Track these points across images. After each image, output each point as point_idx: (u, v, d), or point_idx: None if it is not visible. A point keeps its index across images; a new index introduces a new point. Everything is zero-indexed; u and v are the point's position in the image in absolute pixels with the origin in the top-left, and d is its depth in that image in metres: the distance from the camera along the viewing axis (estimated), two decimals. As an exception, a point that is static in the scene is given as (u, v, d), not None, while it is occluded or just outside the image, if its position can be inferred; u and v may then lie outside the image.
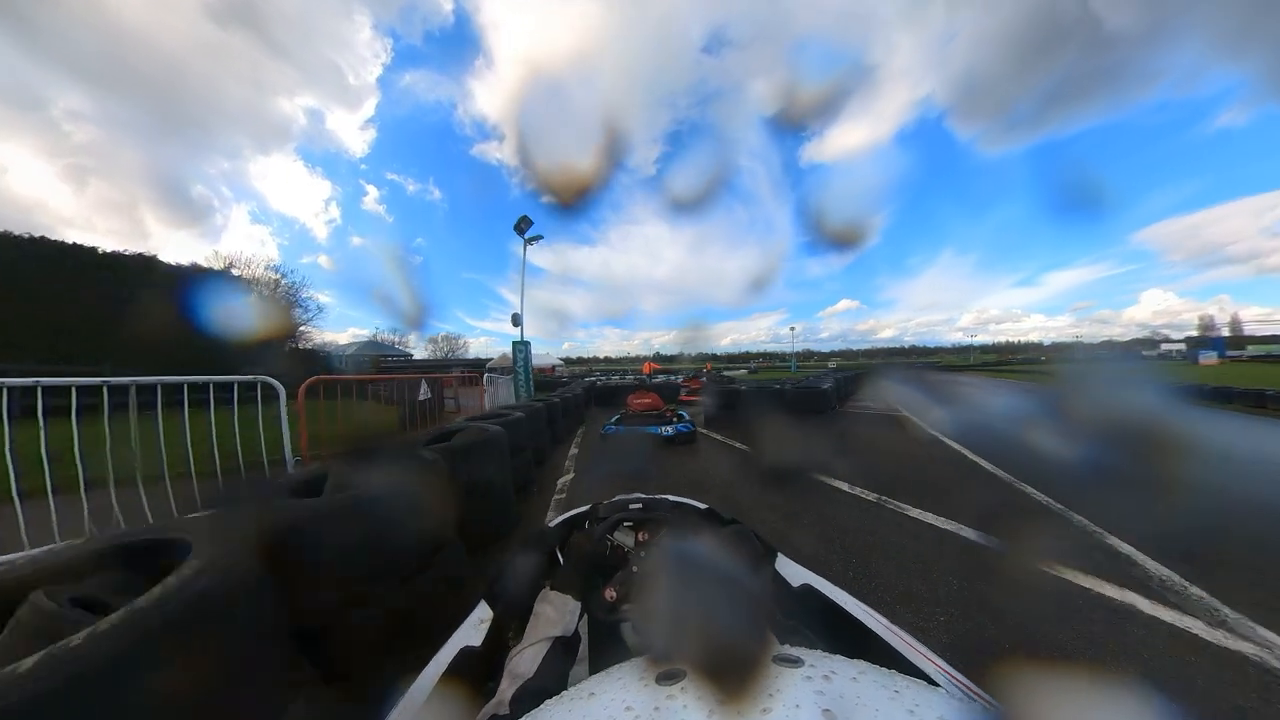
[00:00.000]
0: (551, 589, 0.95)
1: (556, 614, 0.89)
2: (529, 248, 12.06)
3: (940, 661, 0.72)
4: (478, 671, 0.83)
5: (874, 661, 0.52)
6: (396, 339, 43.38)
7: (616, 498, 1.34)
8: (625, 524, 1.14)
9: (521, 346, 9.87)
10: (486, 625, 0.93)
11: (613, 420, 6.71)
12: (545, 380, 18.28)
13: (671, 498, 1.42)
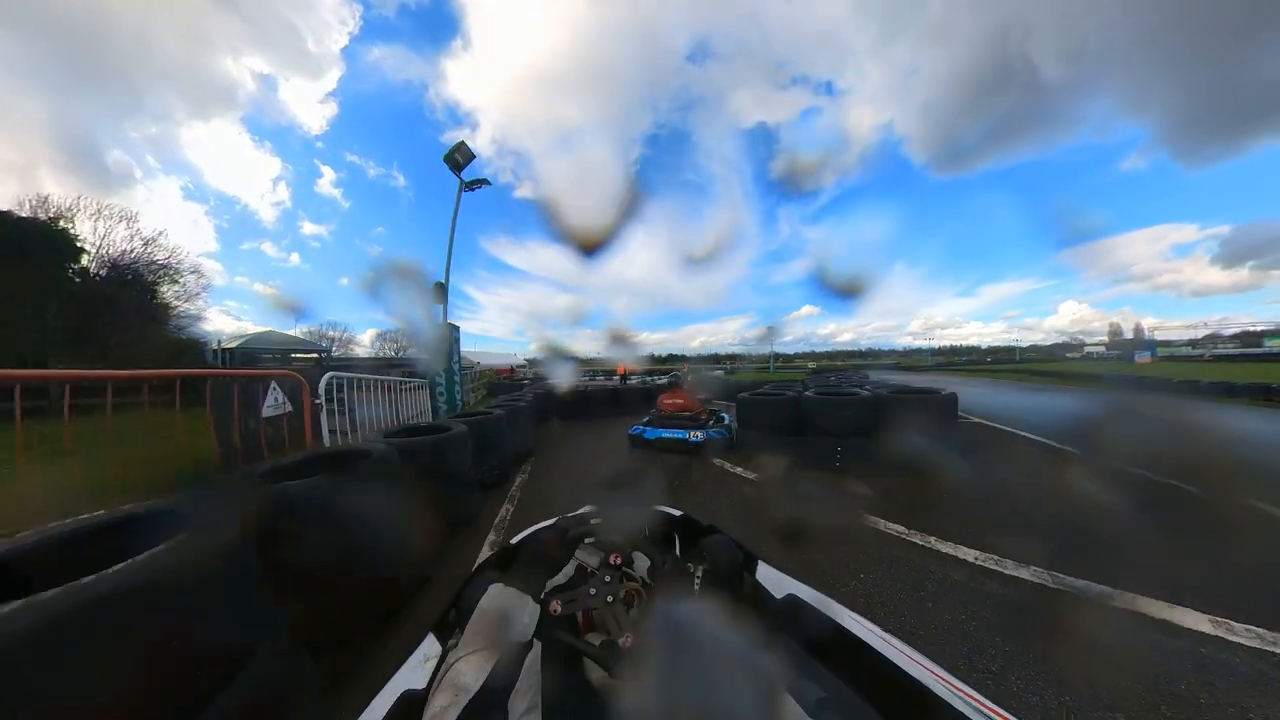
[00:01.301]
0: (506, 585, 0.81)
1: (512, 615, 0.75)
2: (473, 192, 8.84)
3: (941, 671, 0.65)
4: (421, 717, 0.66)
5: (869, 674, 0.56)
6: (338, 333, 39.46)
7: (583, 509, 1.16)
8: (587, 540, 0.95)
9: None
10: (433, 664, 0.76)
11: (643, 421, 6.12)
12: (501, 383, 15.35)
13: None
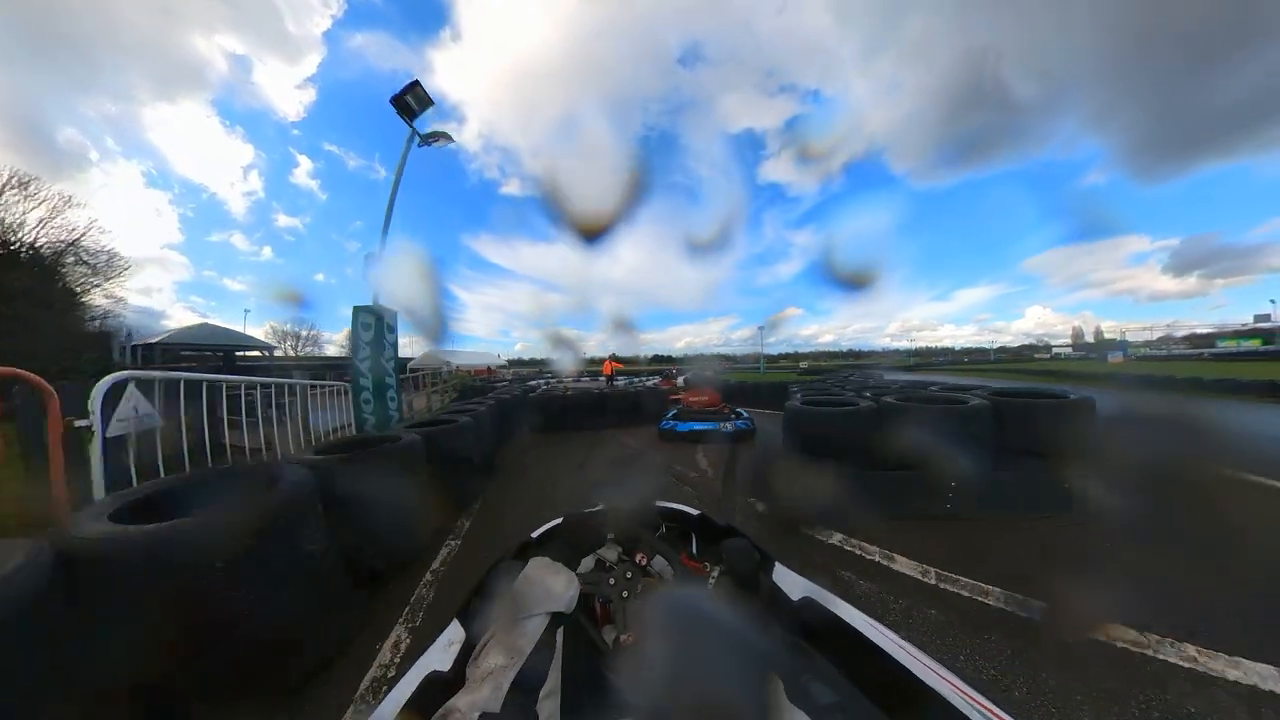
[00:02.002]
0: (549, 559, 0.84)
1: (558, 587, 0.77)
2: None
3: (954, 679, 0.64)
4: (446, 700, 0.66)
5: (883, 679, 0.54)
6: (305, 331, 37.11)
7: (596, 508, 1.13)
8: (609, 538, 1.03)
9: (370, 319, 4.84)
10: (457, 648, 0.79)
11: (669, 415, 6.57)
12: (475, 384, 13.67)
13: (660, 504, 1.29)
